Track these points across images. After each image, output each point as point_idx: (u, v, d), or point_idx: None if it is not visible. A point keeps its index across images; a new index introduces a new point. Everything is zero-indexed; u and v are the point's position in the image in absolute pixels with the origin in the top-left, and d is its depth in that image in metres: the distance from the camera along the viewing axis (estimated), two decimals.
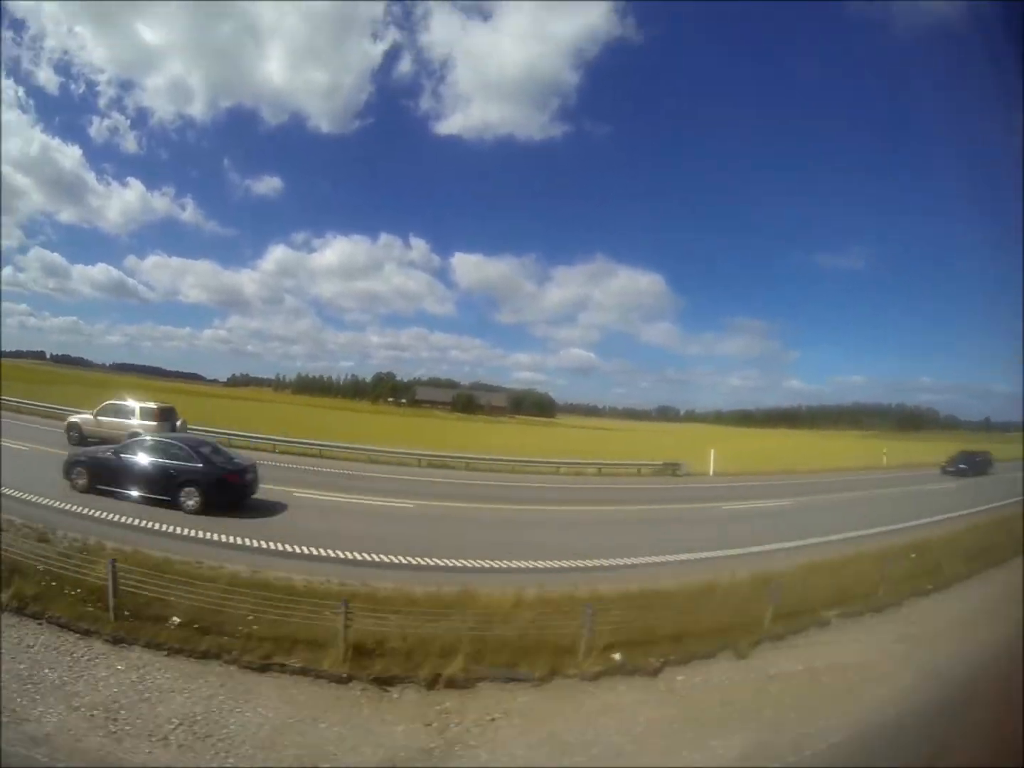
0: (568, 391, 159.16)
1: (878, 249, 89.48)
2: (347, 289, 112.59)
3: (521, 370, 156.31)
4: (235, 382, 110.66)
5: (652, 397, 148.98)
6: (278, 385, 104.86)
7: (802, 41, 72.95)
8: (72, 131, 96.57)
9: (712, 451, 24.22)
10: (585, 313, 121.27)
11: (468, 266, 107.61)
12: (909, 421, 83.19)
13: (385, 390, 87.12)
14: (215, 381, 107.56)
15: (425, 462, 20.09)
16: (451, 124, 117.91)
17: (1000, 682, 5.07)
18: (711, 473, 23.74)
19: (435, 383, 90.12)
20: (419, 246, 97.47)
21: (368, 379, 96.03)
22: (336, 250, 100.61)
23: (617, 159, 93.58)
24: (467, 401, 78.41)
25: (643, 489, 19.63)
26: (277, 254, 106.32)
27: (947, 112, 60.29)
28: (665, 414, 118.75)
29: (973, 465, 29.13)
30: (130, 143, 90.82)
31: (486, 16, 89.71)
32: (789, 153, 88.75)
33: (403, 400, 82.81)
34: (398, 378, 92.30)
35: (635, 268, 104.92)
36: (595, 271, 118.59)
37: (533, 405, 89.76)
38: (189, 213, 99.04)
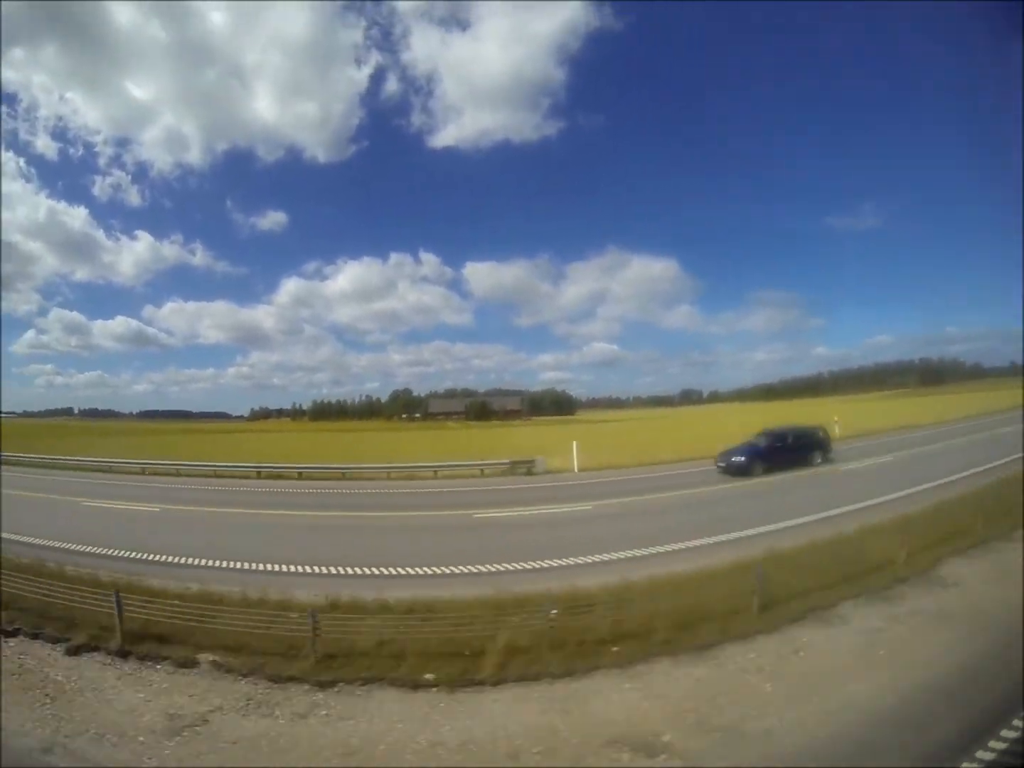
0: (595, 386, 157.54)
1: (889, 205, 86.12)
2: (364, 312, 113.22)
3: (546, 371, 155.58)
4: (255, 416, 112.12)
5: (680, 382, 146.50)
6: (295, 414, 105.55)
7: (798, 7, 70.74)
8: (76, 192, 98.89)
9: (575, 444, 21.80)
10: (604, 307, 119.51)
11: (481, 274, 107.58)
12: (931, 376, 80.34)
13: (398, 407, 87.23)
14: (240, 417, 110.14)
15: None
16: (445, 136, 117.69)
17: None
18: (575, 470, 20.23)
19: (450, 394, 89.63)
20: (429, 260, 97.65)
21: (384, 399, 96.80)
22: (348, 275, 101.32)
23: (615, 149, 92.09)
24: (480, 408, 77.63)
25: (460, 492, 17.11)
26: (290, 286, 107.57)
27: (948, 64, 58.05)
28: (689, 397, 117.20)
29: (772, 454, 17.62)
30: (133, 197, 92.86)
31: (464, 26, 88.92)
32: (789, 119, 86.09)
33: (416, 415, 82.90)
34: (415, 393, 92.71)
35: (648, 255, 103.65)
36: (609, 263, 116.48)
37: (551, 405, 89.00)
38: (199, 257, 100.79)
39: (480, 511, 13.86)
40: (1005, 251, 79.94)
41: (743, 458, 17.91)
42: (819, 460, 18.74)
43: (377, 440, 47.33)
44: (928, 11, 59.24)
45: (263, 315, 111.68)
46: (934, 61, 64.23)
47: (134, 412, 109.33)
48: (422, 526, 12.99)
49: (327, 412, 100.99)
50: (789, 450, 18.61)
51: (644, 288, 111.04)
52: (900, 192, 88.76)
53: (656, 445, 29.76)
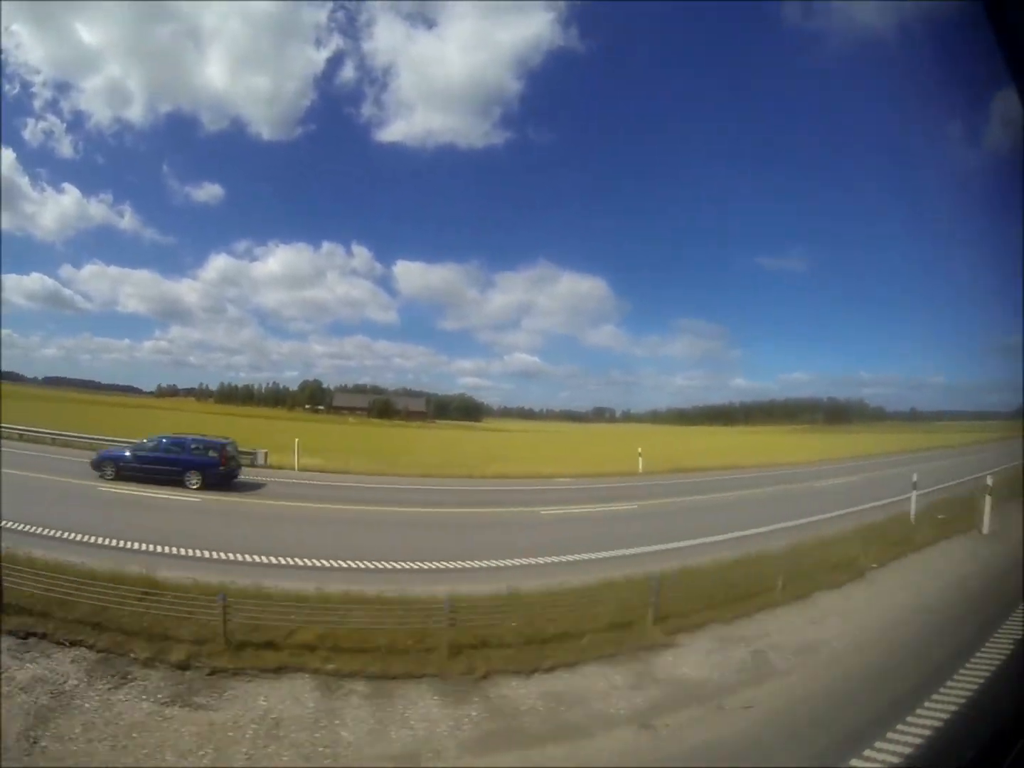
0: (513, 396, 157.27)
1: (818, 252, 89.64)
2: (290, 298, 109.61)
3: (466, 376, 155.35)
4: (162, 392, 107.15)
5: (598, 399, 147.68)
6: (201, 394, 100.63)
7: (742, 51, 73.39)
8: (5, 133, 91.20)
9: (296, 441, 21.27)
10: (529, 318, 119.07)
11: (411, 273, 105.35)
12: (837, 414, 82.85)
13: (303, 397, 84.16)
14: (151, 393, 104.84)
15: None
16: (393, 131, 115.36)
17: None
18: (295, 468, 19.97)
19: (359, 389, 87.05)
20: (361, 254, 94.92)
21: (293, 388, 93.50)
22: (278, 259, 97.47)
23: (559, 166, 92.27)
24: (383, 406, 76.18)
25: None
26: (219, 263, 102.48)
27: (886, 119, 59.57)
28: (601, 415, 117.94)
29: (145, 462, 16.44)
30: (66, 147, 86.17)
31: (430, 24, 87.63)
32: (730, 159, 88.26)
33: (320, 407, 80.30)
34: (325, 385, 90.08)
35: (578, 273, 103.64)
36: (538, 276, 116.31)
37: (457, 410, 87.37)
38: (127, 220, 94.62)
39: None
40: (915, 306, 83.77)
41: (105, 458, 17.24)
42: (196, 484, 16.78)
43: (269, 427, 48.32)
44: (861, 64, 60.70)
45: (187, 289, 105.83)
46: (873, 125, 66.28)
47: (39, 377, 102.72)
48: None
49: (234, 396, 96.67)
50: (167, 463, 17.03)
51: (571, 304, 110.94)
52: (827, 241, 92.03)
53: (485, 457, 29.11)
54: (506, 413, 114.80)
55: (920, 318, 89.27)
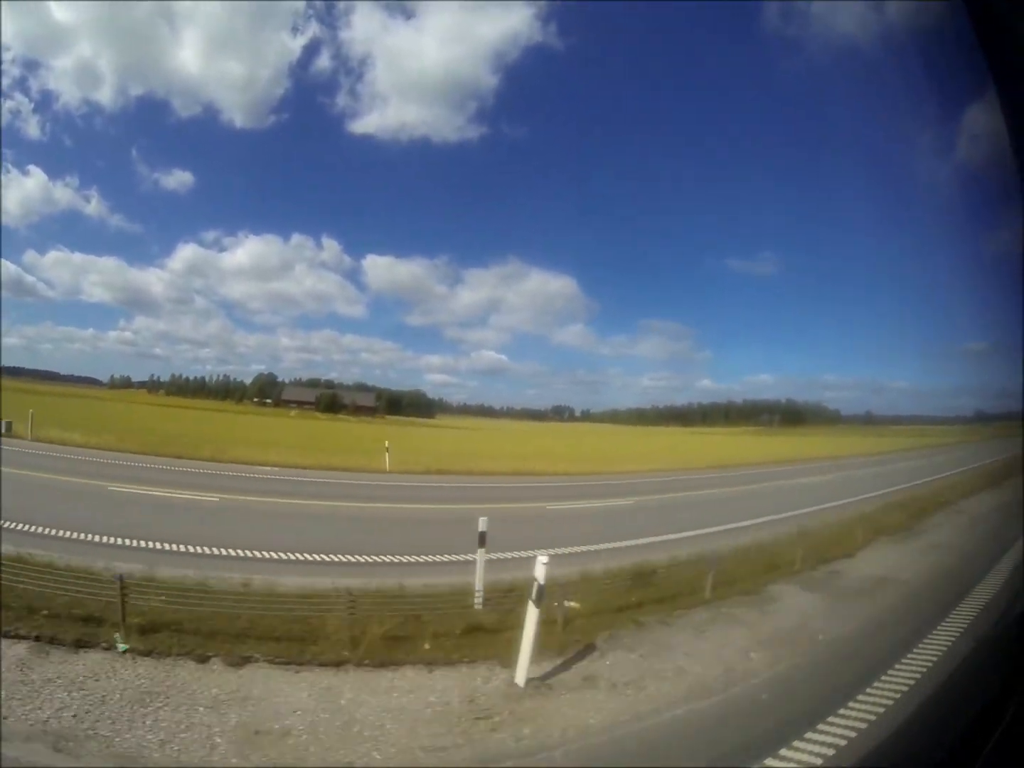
0: (480, 393, 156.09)
1: (787, 255, 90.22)
2: (258, 290, 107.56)
3: (433, 372, 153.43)
4: (114, 384, 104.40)
5: (563, 399, 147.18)
6: (152, 387, 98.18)
7: (719, 54, 73.61)
8: None
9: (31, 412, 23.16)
10: (497, 316, 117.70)
11: (380, 268, 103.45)
12: (793, 416, 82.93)
13: (252, 390, 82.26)
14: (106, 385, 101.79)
15: None
16: (367, 123, 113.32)
17: None
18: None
19: (312, 383, 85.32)
20: (331, 247, 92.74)
21: (247, 381, 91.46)
22: (247, 249, 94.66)
23: (532, 163, 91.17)
24: (330, 401, 74.53)
25: None
26: (187, 252, 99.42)
27: (858, 128, 59.65)
28: (560, 414, 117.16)
29: None
30: (32, 128, 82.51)
31: (409, 15, 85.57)
32: (701, 162, 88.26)
33: (267, 400, 78.56)
34: (280, 379, 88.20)
35: (547, 271, 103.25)
36: (507, 273, 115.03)
37: (411, 406, 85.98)
38: (94, 206, 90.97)
39: None
40: (880, 311, 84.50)
41: None
42: None
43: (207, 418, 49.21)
44: (837, 69, 60.95)
45: (154, 279, 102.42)
46: (845, 134, 66.38)
47: None
48: None
49: (185, 389, 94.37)
50: None
51: (540, 302, 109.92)
52: (796, 245, 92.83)
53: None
54: (466, 411, 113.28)
55: (884, 323, 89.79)
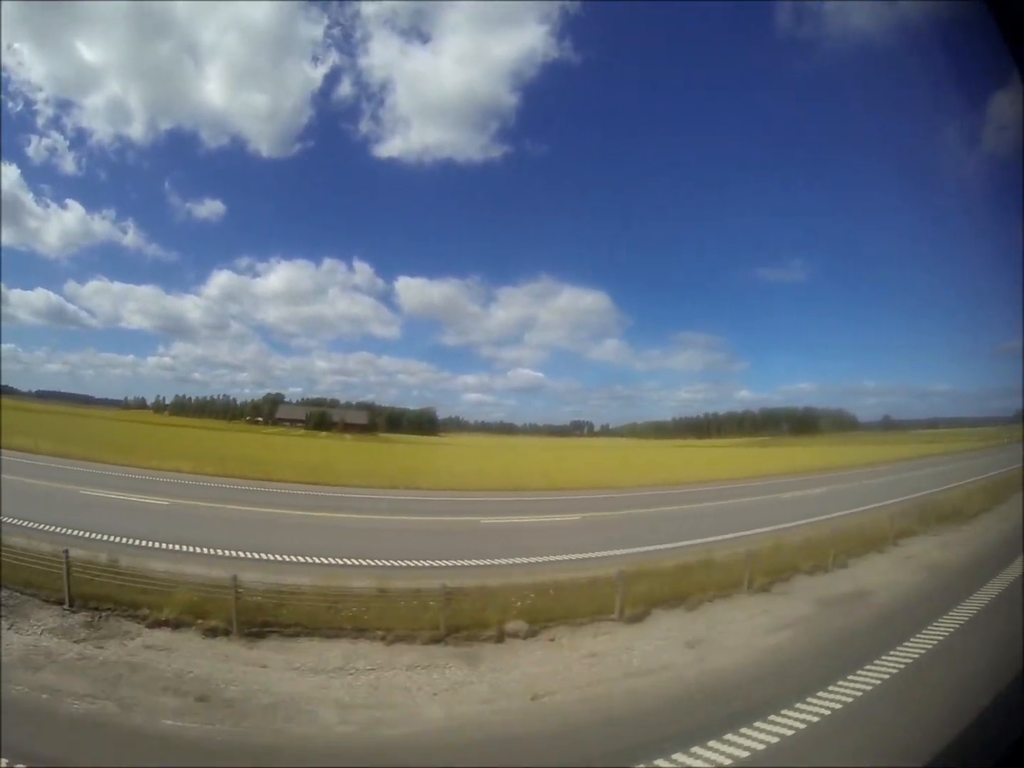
0: (517, 411, 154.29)
1: (816, 261, 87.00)
2: (292, 314, 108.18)
3: (470, 392, 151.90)
4: (127, 406, 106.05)
5: (603, 415, 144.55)
6: (158, 407, 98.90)
7: (739, 60, 72.13)
8: (9, 150, 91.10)
9: None
10: (531, 333, 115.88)
11: (412, 289, 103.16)
12: (803, 426, 77.69)
13: (248, 410, 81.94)
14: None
15: None
16: (391, 147, 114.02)
17: None
18: None
19: (311, 403, 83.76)
20: (363, 270, 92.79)
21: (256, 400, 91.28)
22: (280, 275, 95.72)
23: (557, 180, 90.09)
24: (319, 418, 73.03)
25: None
26: (221, 279, 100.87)
27: (881, 125, 60.74)
28: (579, 429, 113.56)
29: None
30: (69, 164, 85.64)
31: (425, 38, 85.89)
32: (728, 169, 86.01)
33: (259, 419, 77.82)
34: (287, 399, 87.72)
35: (579, 286, 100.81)
36: (539, 291, 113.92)
37: (410, 423, 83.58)
38: (131, 237, 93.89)
39: None
40: (917, 311, 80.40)
41: None
42: None
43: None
44: (856, 68, 60.72)
45: (190, 306, 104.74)
46: (869, 133, 63.87)
47: (31, 391, 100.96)
48: None
49: (187, 408, 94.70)
50: None
51: (574, 318, 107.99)
52: (825, 251, 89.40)
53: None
54: (484, 428, 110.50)
55: (922, 324, 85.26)
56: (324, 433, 70.21)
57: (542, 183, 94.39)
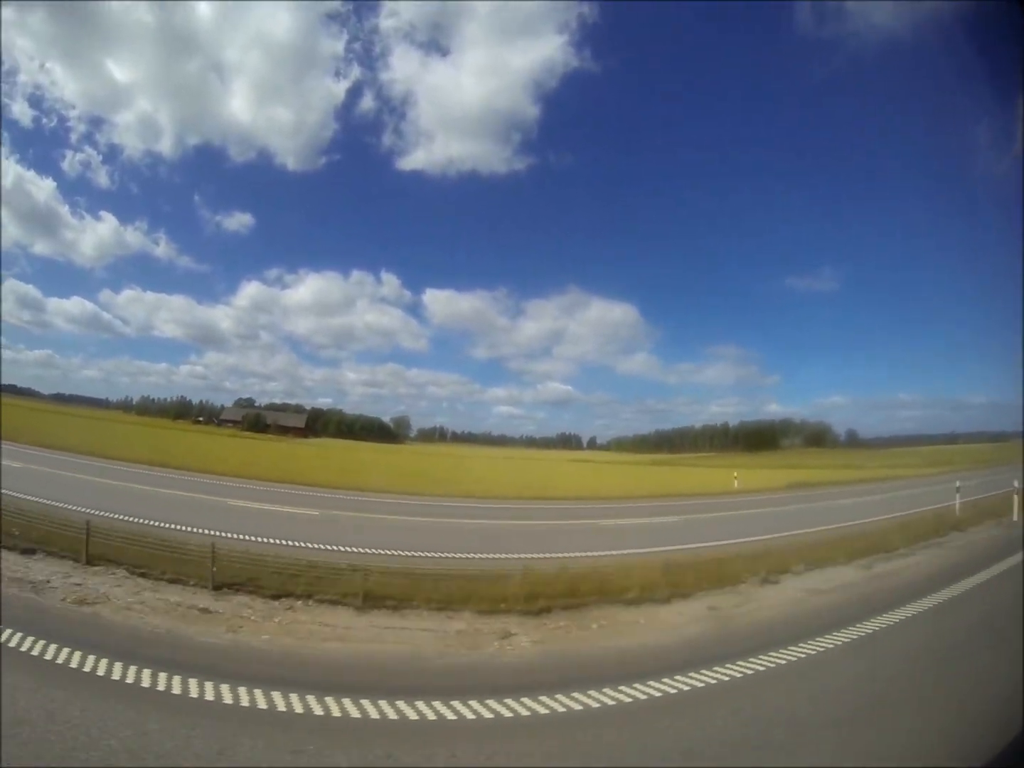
0: (547, 424, 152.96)
1: (850, 270, 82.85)
2: (321, 325, 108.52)
3: (500, 405, 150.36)
4: (109, 407, 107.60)
5: (633, 428, 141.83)
6: (126, 407, 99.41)
7: (762, 65, 69.49)
8: (46, 164, 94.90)
9: None
10: (560, 346, 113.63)
11: (440, 302, 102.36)
12: (758, 442, 71.95)
13: (196, 411, 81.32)
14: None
15: None
16: (415, 160, 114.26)
17: None
18: None
19: (245, 406, 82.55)
20: (391, 282, 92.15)
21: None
22: (309, 286, 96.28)
23: (583, 190, 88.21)
24: (254, 420, 71.38)
25: None
26: (251, 290, 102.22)
27: (910, 128, 57.92)
28: (567, 443, 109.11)
29: None
30: (102, 178, 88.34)
31: (444, 51, 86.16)
32: (755, 179, 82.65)
33: (200, 419, 78.30)
34: (257, 403, 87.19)
35: (608, 299, 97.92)
36: (568, 303, 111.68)
37: (363, 430, 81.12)
38: (163, 248, 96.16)
39: None
40: (958, 320, 74.76)
41: None
42: None
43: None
44: (881, 69, 58.40)
45: (221, 315, 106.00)
46: (898, 135, 59.64)
47: (45, 393, 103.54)
48: None
49: (149, 409, 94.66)
50: None
51: (603, 331, 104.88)
52: (855, 259, 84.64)
53: None
54: (470, 439, 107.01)
55: (956, 334, 79.03)
56: (248, 433, 68.37)
57: (567, 194, 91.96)
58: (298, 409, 78.01)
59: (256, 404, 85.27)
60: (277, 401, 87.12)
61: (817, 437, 76.07)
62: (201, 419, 77.22)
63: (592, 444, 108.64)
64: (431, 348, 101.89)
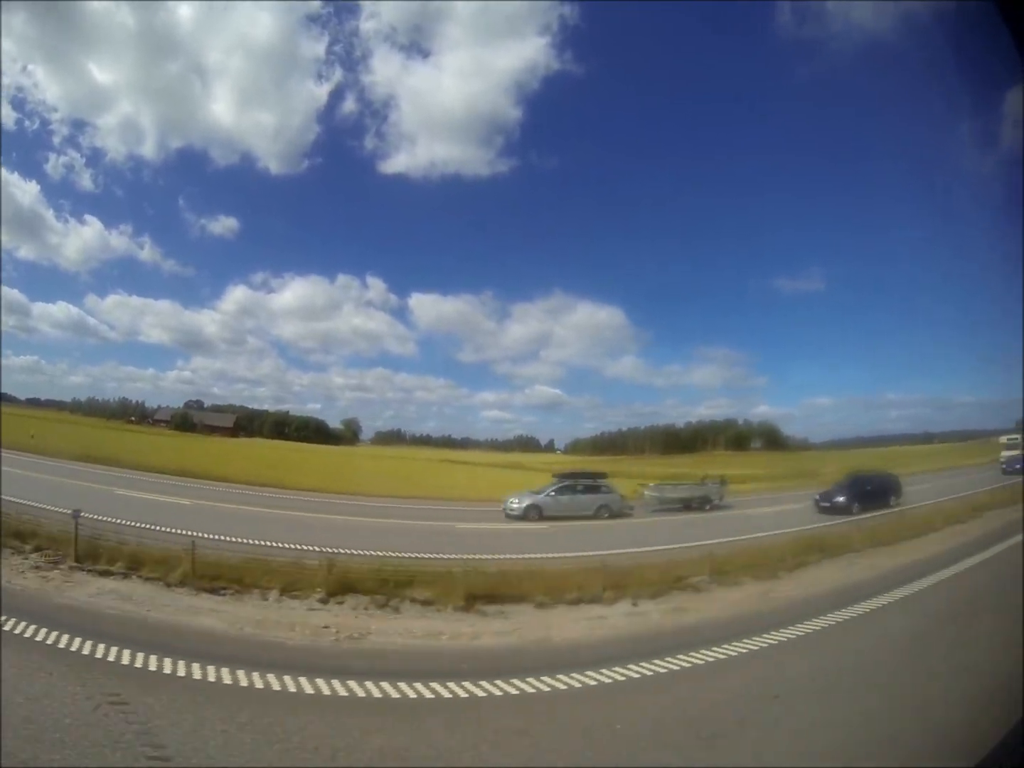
0: (536, 428, 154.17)
1: (834, 270, 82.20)
2: (308, 330, 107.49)
3: (488, 409, 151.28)
4: (40, 405, 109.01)
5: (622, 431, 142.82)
6: (73, 408, 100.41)
7: (743, 67, 69.86)
8: (29, 167, 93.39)
9: None
10: (548, 350, 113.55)
11: (426, 305, 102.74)
12: (678, 443, 71.95)
13: (131, 411, 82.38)
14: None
15: None
16: (397, 163, 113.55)
17: None
18: None
19: (212, 409, 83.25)
20: (376, 286, 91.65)
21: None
22: (295, 290, 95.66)
23: (567, 192, 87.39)
24: (181, 419, 72.23)
25: None
26: (237, 294, 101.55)
27: (894, 127, 55.88)
28: (525, 446, 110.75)
29: None
30: (86, 181, 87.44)
31: (425, 54, 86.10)
32: (739, 179, 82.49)
33: (132, 418, 78.74)
34: (205, 404, 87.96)
35: (593, 302, 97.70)
36: (554, 306, 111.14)
37: (296, 430, 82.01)
38: (147, 252, 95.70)
39: None
40: (938, 320, 75.19)
41: None
42: None
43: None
44: (879, 84, 55.73)
45: (207, 320, 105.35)
46: (882, 135, 60.82)
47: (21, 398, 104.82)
48: None
49: (96, 409, 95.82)
50: None
51: (590, 334, 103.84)
52: (842, 258, 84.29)
53: None
54: (426, 441, 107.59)
55: (943, 333, 79.41)
56: (170, 432, 69.59)
57: (551, 196, 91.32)
58: (232, 410, 79.15)
59: (234, 408, 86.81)
60: (267, 408, 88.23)
61: (769, 439, 75.41)
62: (134, 419, 77.83)
63: (550, 447, 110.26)
64: (419, 352, 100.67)
